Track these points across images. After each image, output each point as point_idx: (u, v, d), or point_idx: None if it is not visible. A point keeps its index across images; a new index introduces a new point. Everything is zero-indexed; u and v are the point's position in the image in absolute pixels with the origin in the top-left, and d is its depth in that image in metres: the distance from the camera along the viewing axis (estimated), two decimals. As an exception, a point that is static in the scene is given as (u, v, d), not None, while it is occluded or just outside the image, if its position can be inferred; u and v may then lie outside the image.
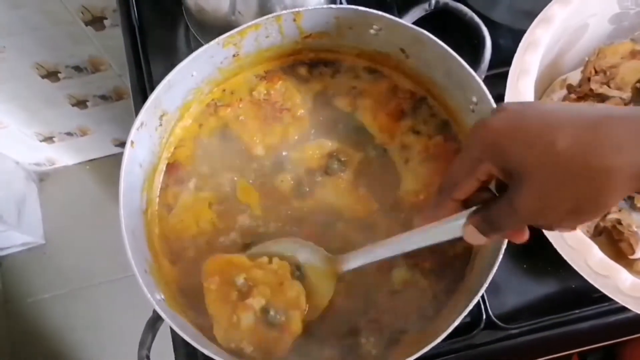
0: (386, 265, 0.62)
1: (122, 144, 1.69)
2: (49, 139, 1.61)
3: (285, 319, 0.59)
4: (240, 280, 0.60)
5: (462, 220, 0.48)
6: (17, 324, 1.69)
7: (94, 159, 1.81)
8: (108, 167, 1.80)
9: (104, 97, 1.47)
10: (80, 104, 1.47)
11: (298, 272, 0.62)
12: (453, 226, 0.49)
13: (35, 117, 1.47)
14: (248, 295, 0.59)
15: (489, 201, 0.47)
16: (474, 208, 0.48)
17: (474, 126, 0.45)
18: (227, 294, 0.60)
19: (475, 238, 0.47)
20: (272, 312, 0.59)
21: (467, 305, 0.54)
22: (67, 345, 1.67)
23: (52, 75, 1.31)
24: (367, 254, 0.58)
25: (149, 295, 0.54)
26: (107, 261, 1.63)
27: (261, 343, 0.59)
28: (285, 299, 0.60)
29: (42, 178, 1.80)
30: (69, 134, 1.62)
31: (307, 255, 0.62)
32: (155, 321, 0.58)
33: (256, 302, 0.59)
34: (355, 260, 0.59)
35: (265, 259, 0.61)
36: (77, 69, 1.31)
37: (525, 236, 0.47)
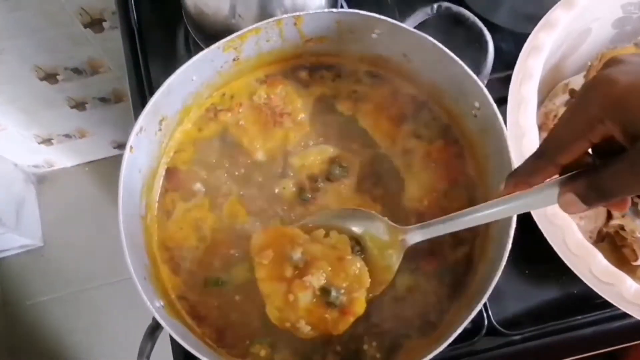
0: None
1: (121, 146, 1.69)
2: (47, 141, 1.61)
3: (348, 300, 0.55)
4: (297, 254, 0.56)
5: (556, 188, 0.43)
6: (16, 327, 1.68)
7: (93, 161, 1.81)
8: (107, 169, 1.80)
9: (102, 99, 1.47)
10: (79, 106, 1.47)
11: (358, 246, 0.58)
12: (547, 195, 0.43)
13: (33, 119, 1.46)
14: (305, 272, 0.55)
15: (587, 167, 0.42)
16: (567, 175, 0.43)
17: (592, 82, 0.40)
18: (282, 270, 0.56)
19: (573, 207, 0.42)
20: (333, 293, 0.55)
21: (470, 312, 0.54)
22: (65, 348, 1.67)
23: (50, 77, 1.30)
24: (440, 226, 0.53)
25: (148, 303, 0.53)
26: (106, 263, 1.62)
27: (320, 323, 0.56)
28: (346, 277, 0.56)
29: (41, 180, 1.80)
30: (68, 136, 1.61)
31: (367, 226, 0.58)
32: (154, 329, 0.58)
33: (315, 280, 0.55)
34: (426, 232, 0.55)
35: (321, 232, 0.58)
36: (76, 71, 1.31)
37: (628, 205, 0.43)
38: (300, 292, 0.55)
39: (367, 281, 0.56)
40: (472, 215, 0.50)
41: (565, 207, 0.43)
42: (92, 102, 1.47)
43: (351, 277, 0.56)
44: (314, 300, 0.55)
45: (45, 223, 1.76)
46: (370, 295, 0.57)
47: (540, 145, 0.44)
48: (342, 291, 0.55)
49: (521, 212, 0.47)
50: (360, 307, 0.56)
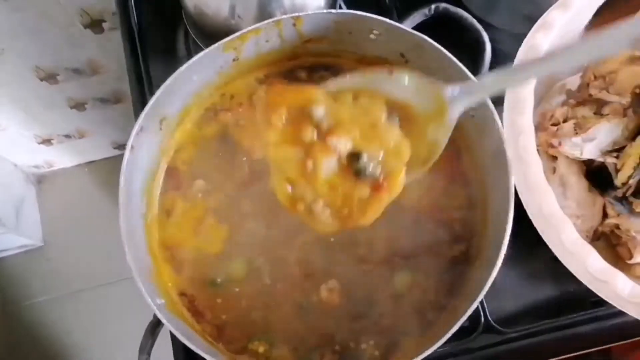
0: (388, 271, 0.62)
1: (121, 147, 1.70)
2: (47, 141, 1.61)
3: (384, 171, 0.44)
4: (319, 111, 0.44)
5: None
6: (14, 327, 1.68)
7: (93, 162, 1.81)
8: (106, 170, 1.80)
9: (102, 100, 1.47)
10: (79, 106, 1.47)
11: (395, 114, 0.46)
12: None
13: (33, 120, 1.47)
14: (329, 135, 0.44)
15: None
16: None
17: None
18: (299, 132, 0.45)
19: None
20: (364, 159, 0.43)
21: (467, 309, 0.54)
22: (64, 349, 1.67)
23: (51, 77, 1.31)
24: (513, 74, 0.43)
25: (149, 300, 0.54)
26: (105, 264, 1.62)
27: (344, 205, 0.45)
28: (380, 145, 0.44)
29: (41, 180, 1.80)
30: (68, 136, 1.62)
31: (407, 89, 0.45)
32: (155, 326, 0.58)
33: (342, 143, 0.43)
34: (489, 86, 0.45)
35: (349, 96, 0.46)
36: (76, 71, 1.31)
37: None
38: (322, 156, 0.44)
39: (407, 153, 0.44)
40: (557, 58, 0.40)
41: None
42: (92, 102, 1.47)
43: (387, 146, 0.44)
44: (339, 170, 0.44)
45: (45, 223, 1.76)
46: (411, 175, 0.45)
47: None
48: (377, 160, 0.44)
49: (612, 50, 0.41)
50: (398, 182, 0.44)
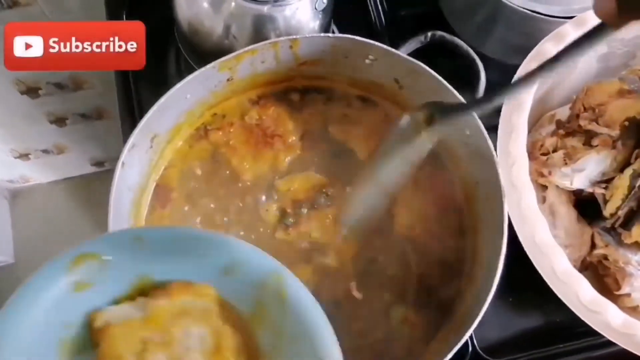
0: (384, 307, 0.62)
1: (99, 164, 1.67)
2: (24, 156, 1.57)
3: None
4: None
5: None
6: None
7: (69, 178, 1.77)
8: (83, 187, 1.76)
9: (84, 116, 1.45)
10: (59, 121, 1.44)
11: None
12: None
13: (12, 133, 1.44)
14: None
15: None
16: None
17: None
18: None
19: None
20: None
21: (457, 342, 0.54)
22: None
23: (32, 91, 1.28)
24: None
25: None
26: (78, 283, 1.58)
27: None
28: None
29: (15, 195, 1.76)
30: (46, 151, 1.58)
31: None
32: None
33: None
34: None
35: None
36: (59, 86, 1.29)
37: None
38: None
39: None
40: None
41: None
42: (73, 118, 1.44)
43: None
44: None
45: (18, 240, 1.71)
46: None
47: None
48: None
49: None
50: None
